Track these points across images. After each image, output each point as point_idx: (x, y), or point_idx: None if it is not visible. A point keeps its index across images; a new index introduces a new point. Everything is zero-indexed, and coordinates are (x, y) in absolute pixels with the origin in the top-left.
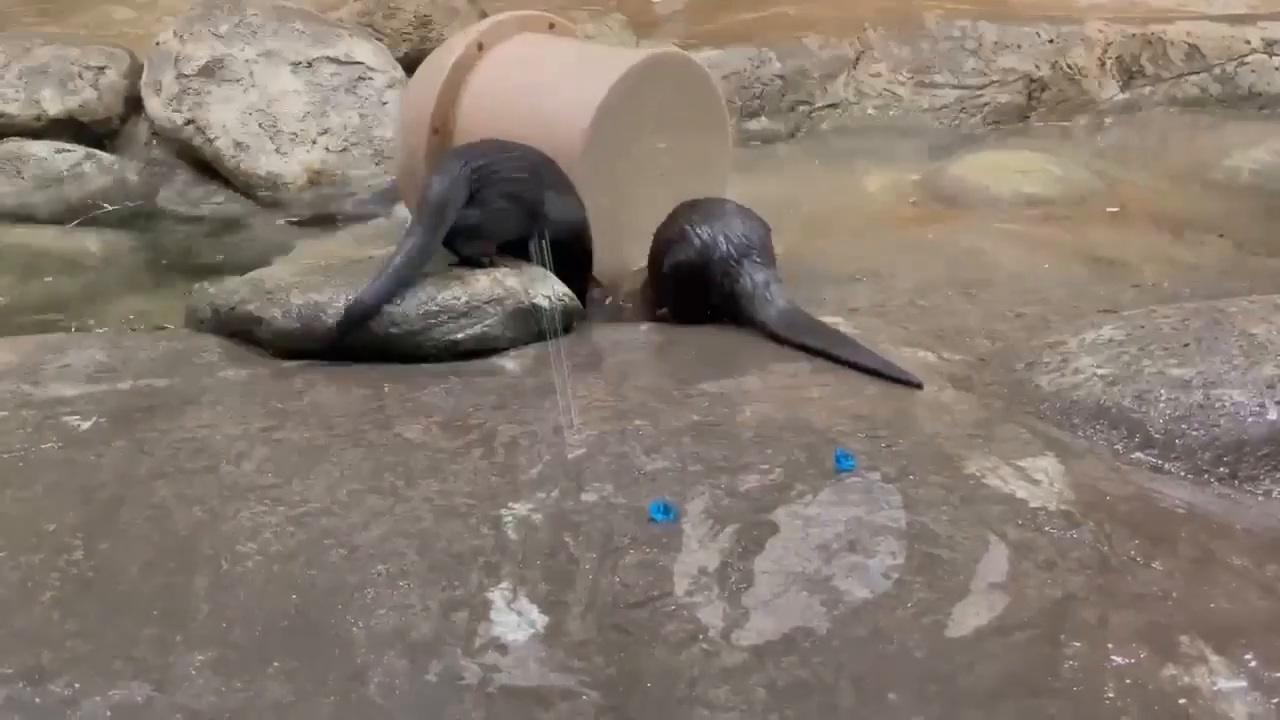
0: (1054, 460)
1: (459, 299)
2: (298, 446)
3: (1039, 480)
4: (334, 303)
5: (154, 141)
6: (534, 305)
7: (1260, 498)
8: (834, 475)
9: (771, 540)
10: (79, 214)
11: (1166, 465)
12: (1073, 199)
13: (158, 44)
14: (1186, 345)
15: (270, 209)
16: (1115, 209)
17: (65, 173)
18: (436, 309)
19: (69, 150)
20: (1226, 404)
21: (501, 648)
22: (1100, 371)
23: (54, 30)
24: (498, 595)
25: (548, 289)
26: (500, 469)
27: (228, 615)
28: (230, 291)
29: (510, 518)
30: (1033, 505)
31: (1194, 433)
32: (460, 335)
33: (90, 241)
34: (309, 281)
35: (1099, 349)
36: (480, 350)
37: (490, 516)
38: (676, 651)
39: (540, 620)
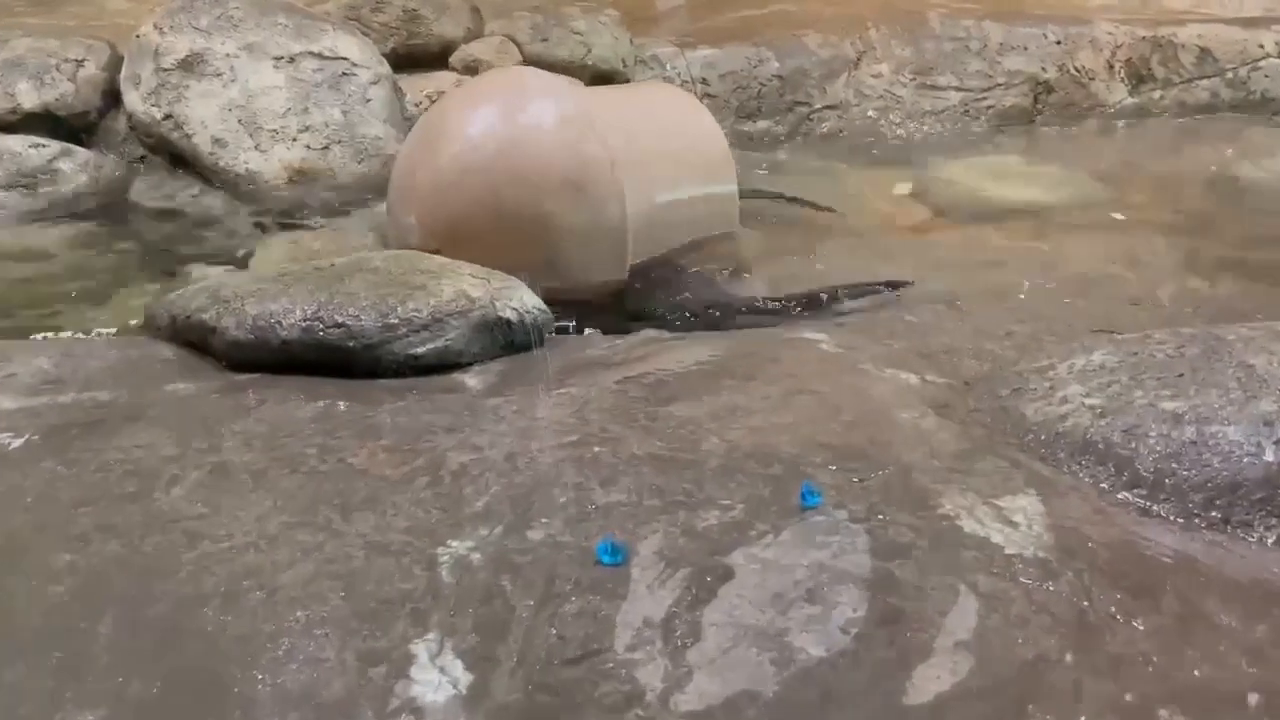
0: (1035, 499)
1: (420, 311)
2: (234, 471)
3: (1017, 522)
4: (289, 314)
5: (132, 137)
6: (500, 318)
7: (1253, 545)
8: (798, 513)
9: (725, 588)
10: (53, 209)
11: (1155, 507)
12: (1076, 207)
13: (138, 36)
14: (1181, 375)
15: (248, 207)
16: (1119, 219)
17: (40, 167)
18: (396, 321)
19: (44, 145)
20: (1220, 442)
21: (418, 710)
22: (1089, 401)
23: (43, 21)
24: (422, 648)
25: (517, 300)
26: (444, 501)
27: (127, 667)
28: (187, 298)
29: (447, 557)
30: (1008, 551)
31: (1185, 472)
32: (421, 350)
33: (63, 237)
34: (266, 290)
35: (1089, 376)
36: (443, 365)
37: (426, 556)
38: (609, 717)
39: (464, 679)
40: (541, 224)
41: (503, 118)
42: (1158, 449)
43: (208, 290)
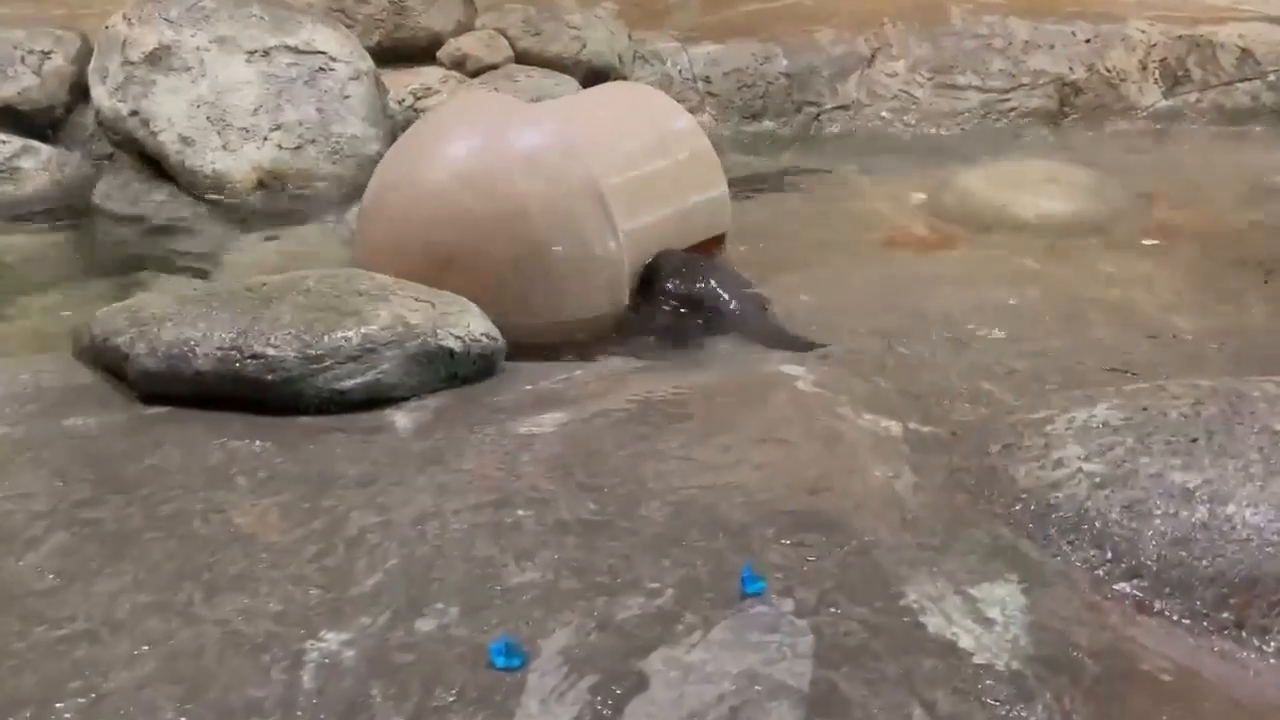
0: (1016, 589)
1: (350, 339)
2: (105, 533)
3: (992, 620)
4: (206, 341)
5: (100, 133)
6: (442, 347)
7: (1272, 659)
8: (737, 601)
9: (634, 702)
10: (10, 209)
11: (1157, 603)
12: (1101, 221)
13: (106, 28)
14: (1195, 440)
15: (215, 210)
16: (1147, 236)
17: None
18: (320, 353)
19: (3, 141)
20: (1237, 527)
21: None
22: (1087, 467)
23: (25, 11)
24: None
25: (462, 326)
26: (331, 577)
27: None
28: (107, 318)
29: (316, 654)
30: (977, 661)
31: (1194, 562)
32: (348, 384)
33: (14, 241)
34: (185, 314)
35: (1090, 435)
36: (375, 399)
37: (292, 651)
38: None
39: None
40: (531, 264)
41: (472, 158)
42: (1163, 531)
43: (128, 310)
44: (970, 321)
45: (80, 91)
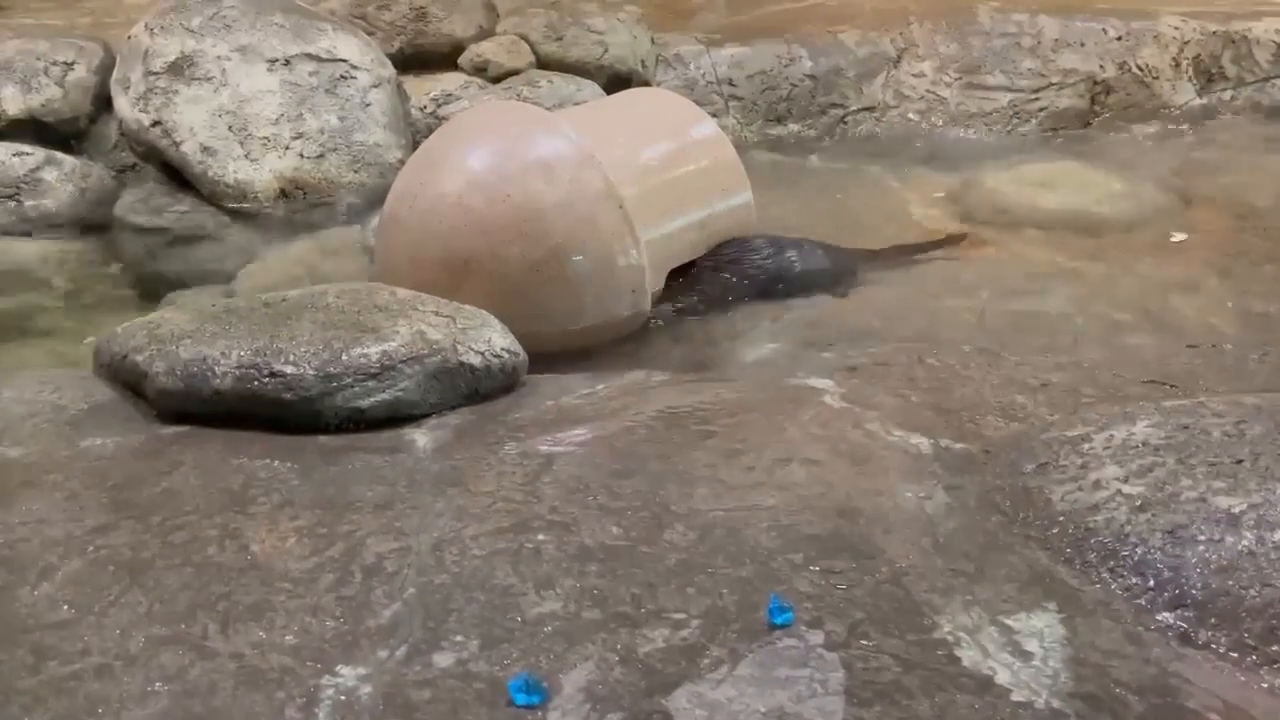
0: (1055, 619)
1: (369, 357)
2: (120, 560)
3: (1030, 653)
4: (225, 359)
5: (123, 144)
6: (463, 363)
7: None
8: (764, 633)
9: None
10: (33, 221)
11: (1201, 635)
12: (1135, 222)
13: (129, 38)
14: (1240, 461)
15: (237, 220)
16: (1183, 237)
17: (21, 177)
18: (339, 370)
19: (27, 153)
20: None
21: None
22: (1126, 489)
23: (48, 21)
24: None
25: (482, 342)
26: (347, 607)
27: None
28: (127, 335)
29: (331, 690)
30: (1015, 698)
31: (1241, 591)
32: (367, 402)
33: (37, 254)
34: (203, 331)
35: (1129, 455)
36: (394, 417)
37: (307, 688)
38: None
39: None
40: (549, 270)
41: (488, 166)
42: (1208, 558)
43: (148, 326)
44: (1002, 329)
45: (103, 102)
